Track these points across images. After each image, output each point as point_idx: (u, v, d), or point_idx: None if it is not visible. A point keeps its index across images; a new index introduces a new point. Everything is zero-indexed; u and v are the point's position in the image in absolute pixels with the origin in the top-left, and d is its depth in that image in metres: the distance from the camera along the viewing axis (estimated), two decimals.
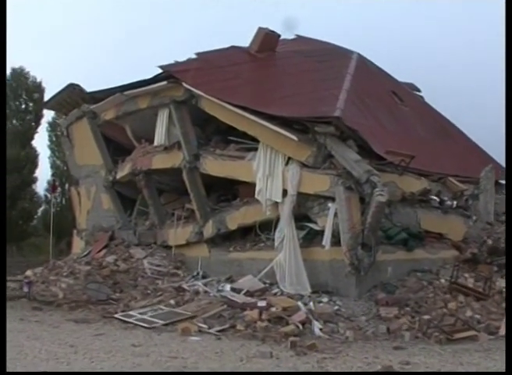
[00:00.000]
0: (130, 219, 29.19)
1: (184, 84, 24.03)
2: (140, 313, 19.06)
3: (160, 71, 25.12)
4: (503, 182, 27.25)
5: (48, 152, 50.08)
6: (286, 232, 20.53)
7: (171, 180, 26.90)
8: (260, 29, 27.55)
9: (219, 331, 16.91)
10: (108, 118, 28.76)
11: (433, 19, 57.03)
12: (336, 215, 19.54)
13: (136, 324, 17.93)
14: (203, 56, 26.04)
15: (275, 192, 21.17)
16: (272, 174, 21.35)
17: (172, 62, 25.38)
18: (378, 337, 16.42)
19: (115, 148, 30.02)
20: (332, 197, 19.82)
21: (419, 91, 32.45)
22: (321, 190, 20.15)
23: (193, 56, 26.16)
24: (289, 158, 21.20)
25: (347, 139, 20.56)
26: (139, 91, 26.15)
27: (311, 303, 18.43)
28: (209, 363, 12.63)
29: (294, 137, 20.44)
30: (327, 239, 19.68)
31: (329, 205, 19.86)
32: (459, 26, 59.13)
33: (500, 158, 28.08)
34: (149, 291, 22.30)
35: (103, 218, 30.11)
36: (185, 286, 22.07)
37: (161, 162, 25.97)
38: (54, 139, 48.55)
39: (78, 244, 31.67)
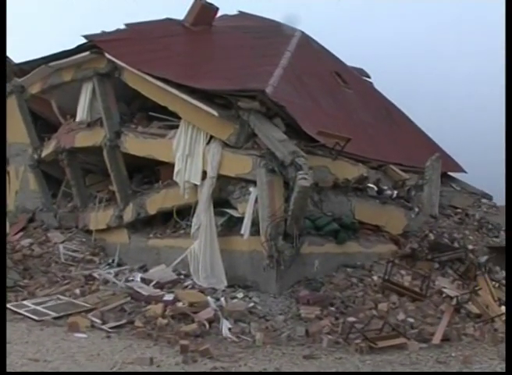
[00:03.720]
0: (54, 201, 27.28)
1: (107, 55, 22.08)
2: (35, 304, 17.18)
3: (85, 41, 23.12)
4: (452, 174, 25.97)
5: None
6: (204, 218, 18.65)
7: (97, 160, 24.85)
8: (196, 0, 25.65)
9: (114, 328, 15.01)
10: (34, 92, 26.75)
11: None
12: (257, 201, 17.70)
13: (26, 316, 16.02)
14: (132, 27, 24.18)
15: (194, 174, 19.24)
16: (191, 154, 19.42)
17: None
18: (292, 341, 14.46)
19: (44, 125, 28.03)
20: (254, 180, 17.97)
21: (369, 76, 30.68)
22: (243, 172, 18.28)
23: (123, 27, 24.31)
24: (211, 137, 19.33)
25: (274, 117, 18.68)
26: (62, 62, 24.16)
27: (223, 299, 16.59)
28: (73, 369, 10.63)
29: (215, 113, 18.49)
30: (246, 227, 17.81)
31: (250, 189, 18.03)
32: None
33: (450, 150, 26.57)
34: (58, 279, 20.47)
35: (29, 199, 28.26)
36: (95, 274, 20.22)
37: (83, 139, 23.99)
38: None
39: None
